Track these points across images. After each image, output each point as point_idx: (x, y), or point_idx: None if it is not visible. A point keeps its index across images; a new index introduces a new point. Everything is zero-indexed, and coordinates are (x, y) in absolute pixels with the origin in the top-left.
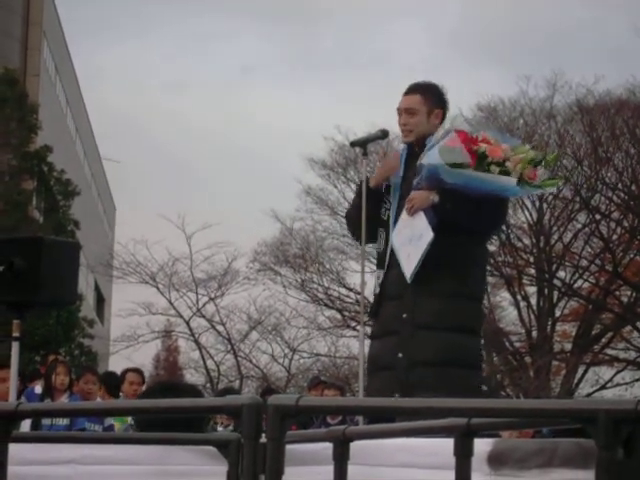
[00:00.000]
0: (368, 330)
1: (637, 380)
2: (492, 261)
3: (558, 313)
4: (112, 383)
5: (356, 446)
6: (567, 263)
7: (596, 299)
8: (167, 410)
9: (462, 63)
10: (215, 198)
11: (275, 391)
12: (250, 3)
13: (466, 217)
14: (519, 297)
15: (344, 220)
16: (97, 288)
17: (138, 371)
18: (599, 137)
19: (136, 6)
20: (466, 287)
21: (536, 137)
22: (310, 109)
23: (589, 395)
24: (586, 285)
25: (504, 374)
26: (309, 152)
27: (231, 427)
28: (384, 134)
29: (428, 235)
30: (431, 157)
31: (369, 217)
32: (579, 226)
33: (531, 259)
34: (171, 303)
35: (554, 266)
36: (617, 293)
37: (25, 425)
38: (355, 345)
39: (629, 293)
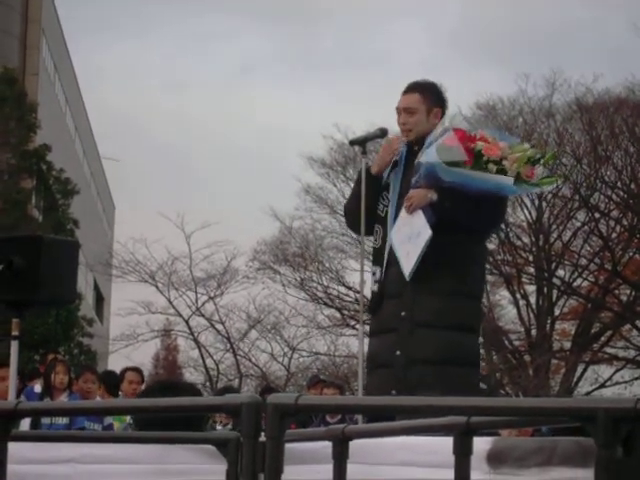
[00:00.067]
0: (367, 329)
1: (636, 379)
2: (491, 260)
3: (557, 312)
4: (111, 382)
5: (355, 445)
6: (566, 262)
7: (595, 298)
8: (166, 409)
9: (461, 62)
10: (214, 197)
11: (274, 390)
12: (250, 3)
13: (465, 215)
14: (518, 296)
15: (344, 219)
16: (96, 287)
17: (137, 370)
18: (598, 135)
19: (136, 6)
20: (465, 285)
21: (535, 136)
22: (310, 109)
23: (588, 394)
24: (585, 284)
25: (503, 373)
26: (308, 151)
27: (230, 426)
28: (383, 133)
29: (426, 233)
30: (429, 155)
31: (368, 207)
32: (578, 224)
33: (530, 258)
34: (170, 302)
35: (553, 265)
36: (616, 292)
37: (24, 424)
38: (354, 344)
39: (628, 292)
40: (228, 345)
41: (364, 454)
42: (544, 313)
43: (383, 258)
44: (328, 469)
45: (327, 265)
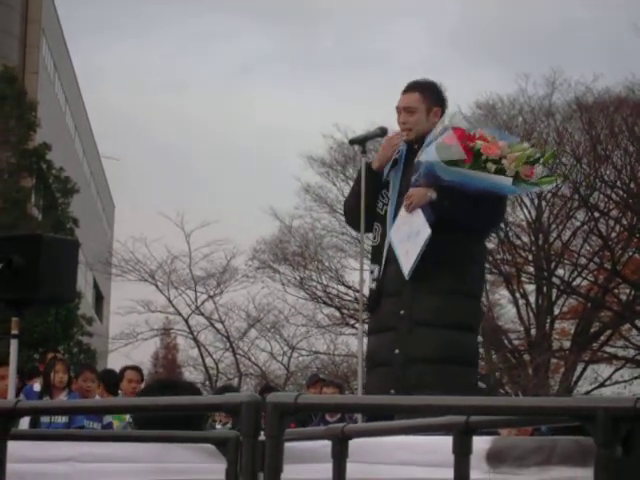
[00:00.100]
0: (367, 327)
1: (636, 378)
2: (491, 259)
3: (557, 311)
4: (111, 381)
5: (355, 444)
6: (566, 261)
7: (595, 297)
8: (166, 408)
9: (461, 61)
10: (214, 196)
11: (274, 389)
12: (250, 3)
13: (464, 214)
14: (518, 295)
15: (343, 218)
16: (96, 286)
17: (137, 369)
18: (598, 135)
19: (136, 6)
20: (464, 284)
21: (535, 135)
22: (310, 108)
23: (588, 393)
24: (585, 283)
25: (503, 372)
26: (308, 150)
27: (230, 425)
28: (383, 132)
29: (425, 232)
30: (428, 154)
31: (368, 204)
32: (578, 224)
33: (530, 257)
34: (170, 301)
35: (553, 264)
36: (616, 291)
37: (24, 423)
38: (354, 343)
39: (628, 291)
40: (227, 344)
41: (364, 453)
42: (544, 312)
43: (382, 256)
44: (327, 468)
45: (327, 264)
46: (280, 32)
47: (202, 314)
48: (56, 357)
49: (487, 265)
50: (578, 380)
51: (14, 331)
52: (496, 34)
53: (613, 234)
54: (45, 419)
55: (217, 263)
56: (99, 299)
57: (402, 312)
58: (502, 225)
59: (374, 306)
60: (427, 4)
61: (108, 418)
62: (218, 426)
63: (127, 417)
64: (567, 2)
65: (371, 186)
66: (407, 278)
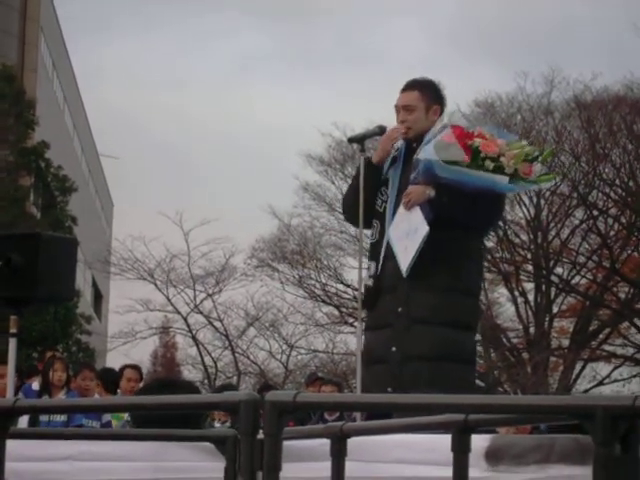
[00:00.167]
0: (364, 324)
1: (635, 376)
2: (489, 257)
3: (556, 309)
4: (110, 379)
5: (353, 442)
6: (565, 259)
7: (594, 295)
8: (164, 406)
9: (460, 60)
10: (213, 195)
11: (273, 387)
12: (250, 2)
13: (462, 212)
14: (516, 293)
15: (342, 217)
16: (95, 284)
17: (136, 367)
18: (597, 133)
19: (135, 5)
20: (461, 282)
21: (534, 133)
22: (309, 107)
23: (587, 391)
24: (584, 281)
25: (501, 370)
26: (307, 148)
27: (228, 423)
28: (382, 130)
29: (423, 229)
30: (427, 152)
31: (366, 199)
32: (577, 222)
33: (528, 255)
34: (169, 299)
35: (551, 262)
36: (615, 289)
37: (22, 421)
38: (353, 341)
39: (626, 289)
40: (226, 343)
41: (362, 451)
42: (542, 311)
43: (379, 253)
44: (326, 466)
45: (325, 262)
46: (279, 31)
47: (201, 313)
48: (55, 356)
49: (486, 263)
50: (577, 378)
51: (13, 330)
52: (495, 32)
53: (612, 232)
54: (44, 418)
55: (216, 262)
56: (98, 298)
57: (400, 309)
58: (501, 223)
59: (372, 303)
60: (426, 2)
61: (107, 417)
62: (217, 425)
63: (126, 416)
64: (566, 0)
65: (371, 181)
66: (405, 275)
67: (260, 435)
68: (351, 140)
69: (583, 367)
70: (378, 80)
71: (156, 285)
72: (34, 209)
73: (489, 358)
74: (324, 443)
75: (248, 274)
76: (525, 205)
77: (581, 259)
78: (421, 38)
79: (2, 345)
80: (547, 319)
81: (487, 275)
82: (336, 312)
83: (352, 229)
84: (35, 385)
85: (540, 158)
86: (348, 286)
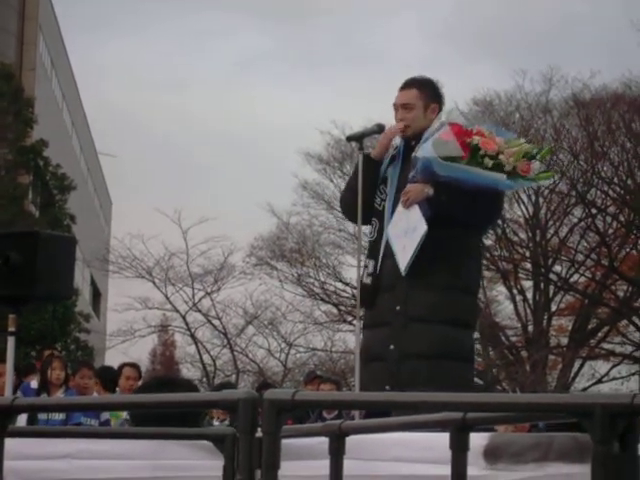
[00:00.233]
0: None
1: (633, 374)
2: (488, 255)
3: (554, 307)
4: (108, 378)
5: (352, 440)
6: (563, 257)
7: (592, 293)
8: (163, 405)
9: (458, 58)
10: (212, 193)
11: (271, 386)
12: (249, 0)
13: (461, 210)
14: (515, 291)
15: (341, 215)
16: (93, 283)
17: (135, 366)
18: (595, 131)
19: (133, 2)
20: (460, 280)
21: (532, 131)
22: (309, 105)
23: (585, 389)
24: (582, 279)
25: (500, 368)
26: (306, 147)
27: (227, 422)
28: (380, 128)
29: (422, 228)
30: (425, 150)
31: (366, 195)
32: (575, 220)
33: (527, 253)
34: (167, 298)
35: (550, 260)
36: (613, 287)
37: (21, 420)
38: (351, 339)
39: (625, 287)
40: (225, 341)
41: (361, 450)
42: (541, 309)
43: (378, 251)
44: (325, 465)
45: (324, 261)
46: (279, 30)
47: (199, 311)
48: (53, 354)
49: (484, 262)
50: (575, 376)
51: (11, 328)
52: (493, 31)
53: (610, 230)
54: (42, 416)
55: (214, 260)
56: (96, 296)
57: (398, 308)
58: (499, 221)
59: (370, 301)
60: (424, 1)
61: (105, 415)
62: (216, 423)
63: (124, 414)
64: None
65: (370, 176)
66: (404, 274)
67: (259, 433)
68: (350, 138)
69: (582, 365)
70: (377, 79)
71: (155, 283)
72: (33, 207)
73: (488, 356)
74: (322, 441)
75: (247, 272)
76: (524, 203)
77: (580, 257)
78: (420, 37)
79: (1, 343)
80: (546, 317)
81: (486, 273)
82: (335, 310)
83: (351, 227)
84: (34, 383)
85: (538, 156)
86: (347, 284)
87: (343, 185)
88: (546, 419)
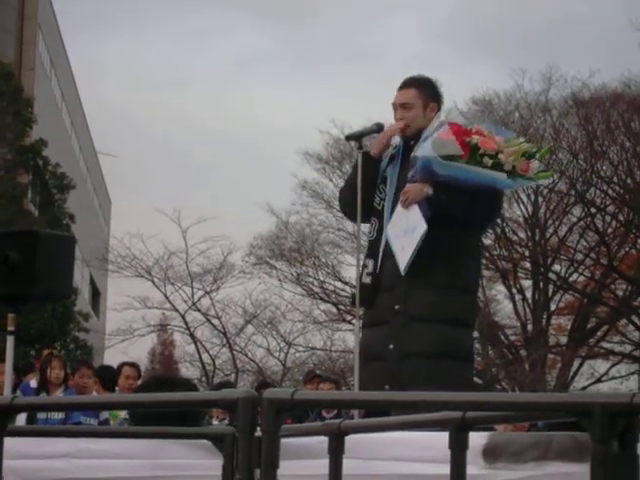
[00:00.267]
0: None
1: (632, 373)
2: (487, 254)
3: (553, 306)
4: (107, 377)
5: (351, 440)
6: (562, 256)
7: (591, 292)
8: (162, 404)
9: (458, 57)
10: (211, 192)
11: (271, 385)
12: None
13: (461, 209)
14: (514, 290)
15: (340, 214)
16: (92, 282)
17: (134, 365)
18: (594, 130)
19: (132, 1)
20: (459, 279)
21: (531, 130)
22: (308, 105)
23: (584, 388)
24: (581, 279)
25: (499, 367)
26: (305, 146)
27: (227, 421)
28: (379, 128)
29: (421, 227)
30: (424, 149)
31: (365, 193)
32: (574, 220)
33: (526, 252)
34: (166, 297)
35: (549, 259)
36: (612, 286)
37: (20, 419)
38: (350, 339)
39: (624, 286)
40: (224, 340)
41: (360, 449)
42: (540, 308)
43: (378, 251)
44: (324, 464)
45: (323, 260)
46: (278, 29)
47: (199, 310)
48: (52, 353)
49: (484, 261)
50: (575, 376)
51: (10, 327)
52: (492, 30)
53: (609, 230)
54: (42, 415)
55: (214, 259)
56: (96, 295)
57: (397, 307)
58: (499, 221)
59: (370, 301)
60: (424, 0)
61: (105, 414)
62: (215, 422)
63: (123, 413)
64: None
65: (369, 173)
66: (403, 274)
67: (258, 433)
68: (349, 137)
69: (581, 364)
70: (376, 78)
71: (154, 283)
72: (32, 207)
73: (487, 355)
74: (322, 441)
75: (246, 272)
76: (523, 202)
77: (579, 256)
78: (419, 36)
79: (0, 343)
80: (545, 316)
81: (485, 272)
82: (334, 310)
83: (350, 226)
84: (33, 383)
85: (538, 155)
86: (346, 284)
87: (342, 184)
88: (545, 418)
